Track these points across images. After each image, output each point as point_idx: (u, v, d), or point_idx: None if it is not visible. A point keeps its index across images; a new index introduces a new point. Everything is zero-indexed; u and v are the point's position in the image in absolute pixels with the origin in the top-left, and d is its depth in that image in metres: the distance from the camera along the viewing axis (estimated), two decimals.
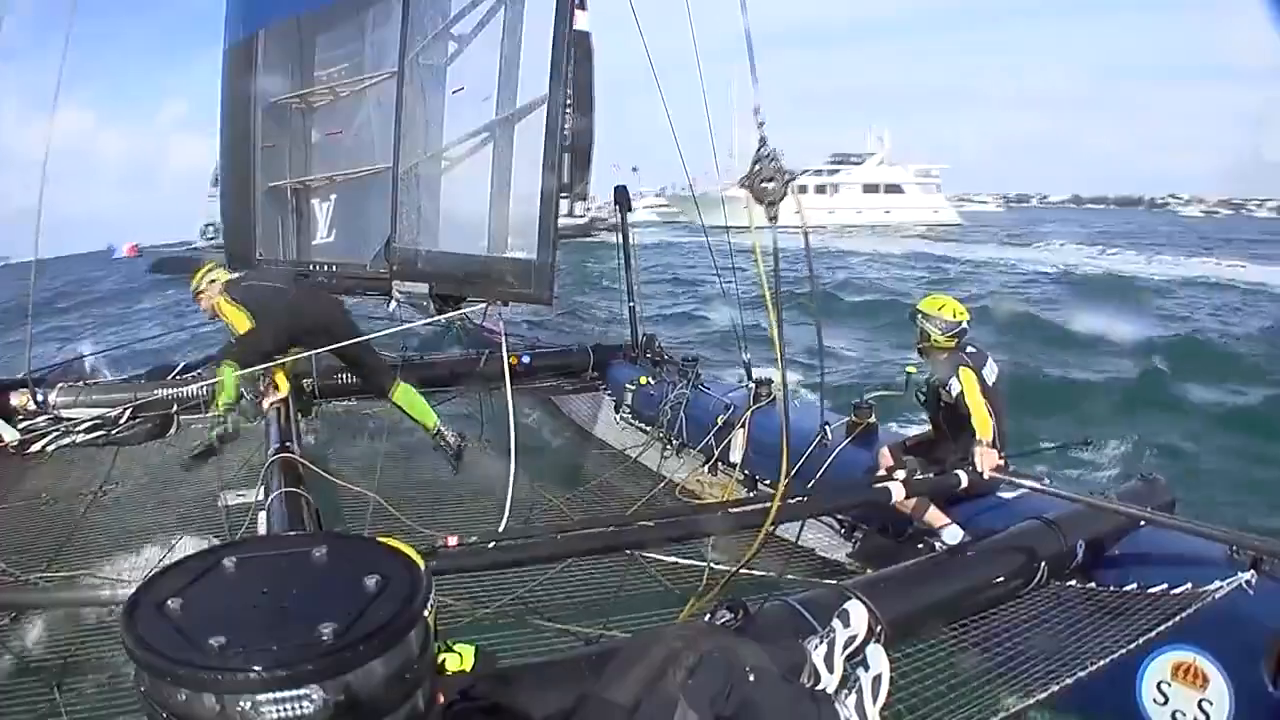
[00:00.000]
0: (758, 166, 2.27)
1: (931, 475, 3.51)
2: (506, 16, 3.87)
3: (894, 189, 46.76)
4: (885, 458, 3.90)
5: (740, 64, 2.24)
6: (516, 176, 3.84)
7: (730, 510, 3.24)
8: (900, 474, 3.45)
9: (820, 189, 45.07)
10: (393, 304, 4.98)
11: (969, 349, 3.69)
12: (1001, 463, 3.41)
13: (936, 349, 3.66)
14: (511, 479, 3.69)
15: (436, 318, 4.60)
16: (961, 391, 3.50)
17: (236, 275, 4.76)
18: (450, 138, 4.38)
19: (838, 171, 47.31)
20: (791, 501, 3.13)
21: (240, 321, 4.40)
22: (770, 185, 2.24)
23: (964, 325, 3.69)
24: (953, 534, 3.46)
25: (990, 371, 3.65)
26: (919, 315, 3.74)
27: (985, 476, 3.29)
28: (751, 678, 1.62)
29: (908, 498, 3.32)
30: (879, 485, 3.36)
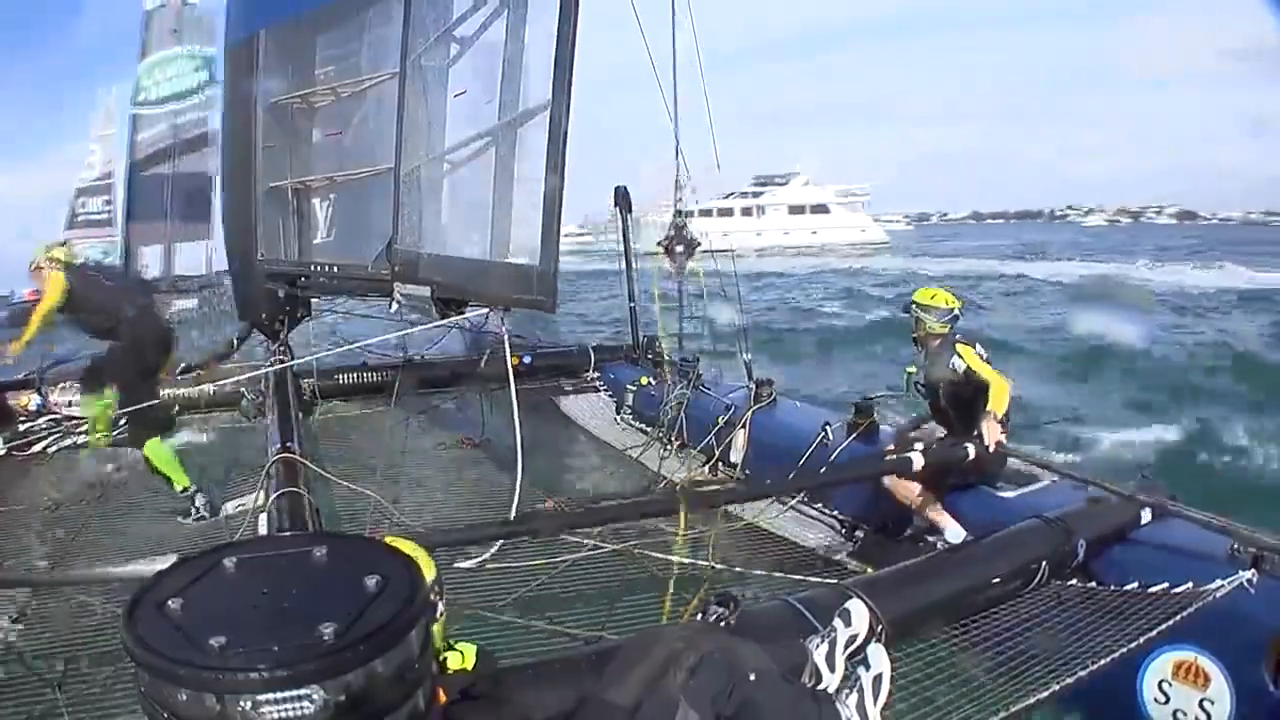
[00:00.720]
0: (672, 233, 2.76)
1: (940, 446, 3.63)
2: (509, 20, 3.86)
3: (820, 209, 46.56)
4: (892, 450, 3.95)
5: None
6: (519, 182, 3.83)
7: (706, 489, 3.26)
8: (919, 445, 3.62)
9: (747, 211, 44.92)
10: (394, 306, 4.98)
11: (957, 336, 3.86)
12: (1003, 438, 3.54)
13: (932, 336, 3.82)
14: (519, 478, 3.71)
15: (440, 322, 4.59)
16: (968, 366, 3.65)
17: (81, 262, 4.99)
18: (452, 140, 4.38)
19: (762, 194, 47.06)
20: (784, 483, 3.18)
21: (55, 293, 4.52)
22: (680, 250, 2.72)
23: (956, 312, 3.87)
24: (955, 534, 3.48)
25: (981, 352, 3.79)
26: (914, 306, 3.90)
27: (990, 449, 3.42)
28: (752, 678, 1.62)
29: (923, 469, 3.43)
30: (901, 456, 3.51)
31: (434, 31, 4.45)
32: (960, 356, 3.68)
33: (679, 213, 2.74)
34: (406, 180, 4.56)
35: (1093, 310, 13.94)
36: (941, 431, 3.95)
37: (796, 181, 47.19)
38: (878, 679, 1.86)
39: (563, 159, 3.42)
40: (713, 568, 3.28)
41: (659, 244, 2.86)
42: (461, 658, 1.62)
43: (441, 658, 1.59)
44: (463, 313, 4.25)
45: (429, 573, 1.53)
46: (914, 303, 3.92)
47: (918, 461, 3.40)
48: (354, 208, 5.39)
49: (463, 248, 4.21)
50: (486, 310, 4.04)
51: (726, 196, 43.24)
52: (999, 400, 3.53)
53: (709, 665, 1.59)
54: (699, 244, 2.75)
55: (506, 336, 3.93)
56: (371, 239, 4.93)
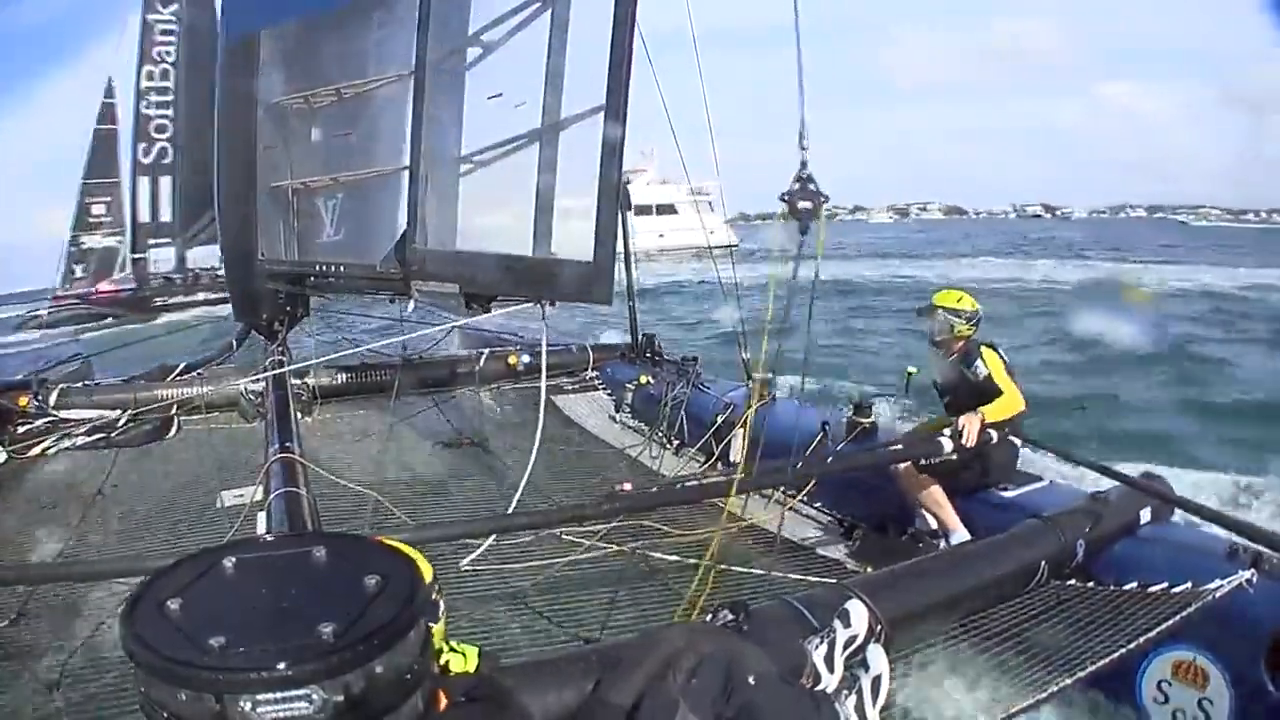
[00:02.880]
0: (796, 185, 2.37)
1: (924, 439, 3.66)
2: (553, 21, 3.89)
3: (666, 209, 41.36)
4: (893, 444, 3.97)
5: None
6: (564, 178, 3.86)
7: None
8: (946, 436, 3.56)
9: (664, 209, 40.01)
10: (411, 304, 4.99)
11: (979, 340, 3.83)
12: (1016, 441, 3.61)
13: (956, 339, 3.80)
14: (527, 475, 3.73)
15: (444, 325, 4.61)
16: (989, 372, 3.61)
17: None
18: (474, 140, 4.40)
19: (629, 180, 42.34)
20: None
21: None
22: (807, 205, 2.38)
23: (980, 314, 3.84)
24: (961, 538, 3.48)
25: (1004, 357, 3.77)
26: (939, 310, 3.83)
27: (968, 444, 3.41)
28: (752, 680, 1.62)
29: (931, 468, 3.50)
30: (933, 440, 3.54)
31: (454, 30, 4.46)
32: (983, 361, 3.64)
33: (804, 164, 2.37)
34: (428, 180, 4.57)
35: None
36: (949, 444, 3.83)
37: (640, 179, 40.95)
38: (876, 680, 1.87)
39: (620, 153, 3.47)
40: (713, 567, 3.27)
41: (782, 197, 2.44)
42: (464, 659, 1.62)
43: (444, 660, 1.59)
44: (487, 309, 4.28)
45: (425, 575, 1.53)
46: (939, 306, 3.84)
47: (947, 445, 3.43)
48: (364, 207, 5.39)
49: (500, 245, 4.23)
50: (528, 304, 4.08)
51: (651, 184, 39.12)
52: (1000, 408, 3.50)
53: (709, 667, 1.59)
54: (826, 197, 2.41)
55: (545, 333, 3.99)
56: (382, 238, 4.94)
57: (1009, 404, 3.54)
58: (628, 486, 3.47)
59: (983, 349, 3.69)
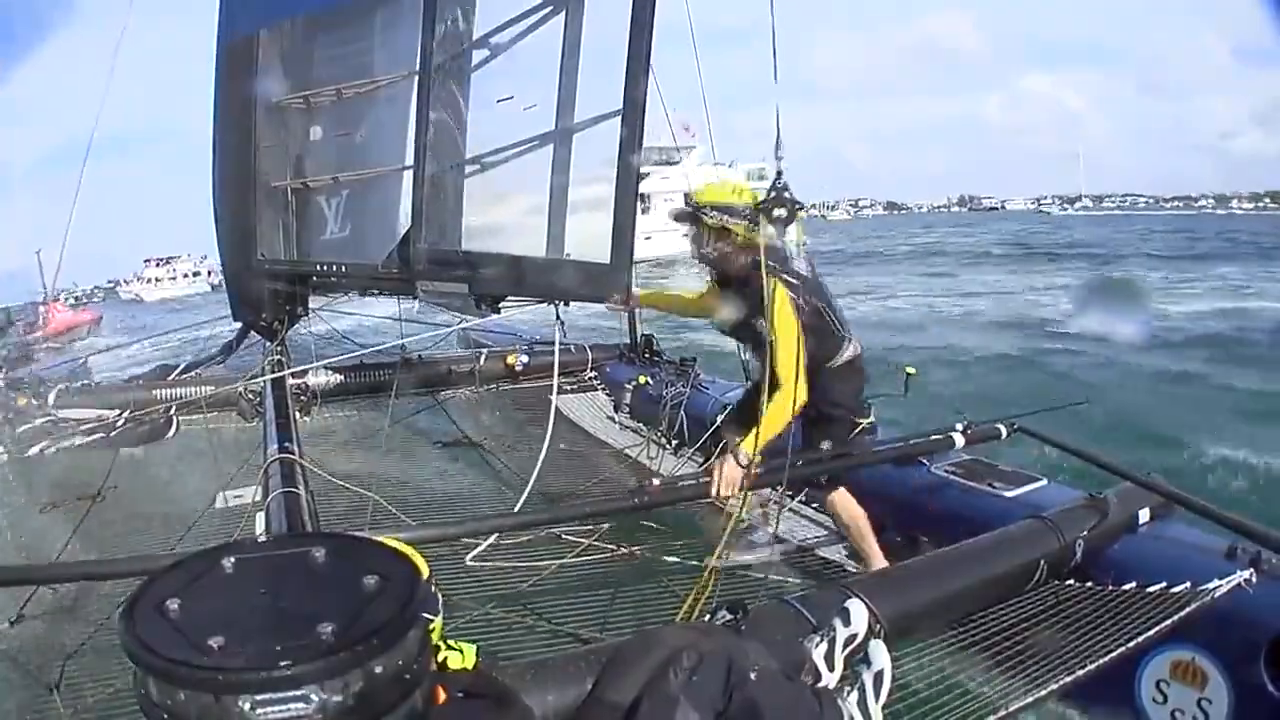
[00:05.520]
0: (772, 193, 2.38)
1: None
2: (567, 24, 3.90)
3: None
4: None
5: None
6: (577, 184, 3.87)
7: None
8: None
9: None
10: (416, 305, 5.00)
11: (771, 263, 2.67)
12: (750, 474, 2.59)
13: (734, 251, 2.71)
14: (535, 474, 3.73)
15: (447, 329, 4.61)
16: (775, 337, 2.59)
17: None
18: (483, 141, 4.41)
19: (646, 176, 31.83)
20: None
21: None
22: (780, 214, 2.39)
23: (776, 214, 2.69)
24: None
25: (812, 290, 2.72)
26: (700, 209, 2.75)
27: (719, 500, 2.69)
28: (753, 677, 1.62)
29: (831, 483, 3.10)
30: (944, 436, 3.37)
31: (460, 31, 4.47)
32: (772, 307, 2.55)
33: (780, 174, 2.29)
34: (438, 180, 4.57)
35: None
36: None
37: (693, 158, 31.26)
38: (879, 675, 1.86)
39: (638, 154, 3.48)
40: (712, 568, 3.27)
41: (758, 205, 2.35)
42: (462, 657, 1.62)
43: (442, 657, 1.59)
44: (496, 310, 4.29)
45: (421, 572, 1.53)
46: (701, 204, 2.74)
47: (959, 441, 3.30)
48: (367, 207, 5.40)
49: (511, 246, 4.24)
50: (540, 304, 4.09)
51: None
52: (772, 419, 2.54)
53: (710, 664, 1.59)
54: (801, 205, 2.24)
55: (559, 333, 4.00)
56: (385, 239, 4.95)
57: (781, 407, 2.57)
58: (656, 483, 3.09)
59: (777, 284, 2.60)
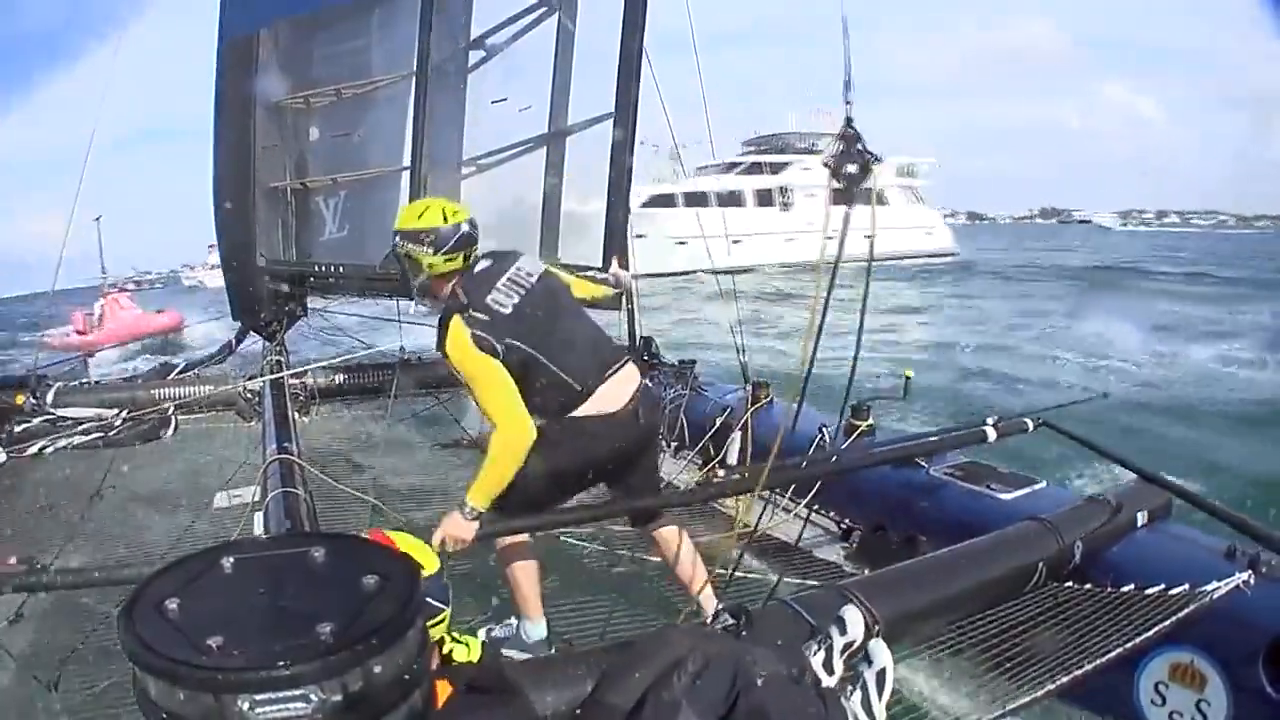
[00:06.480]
0: (840, 147, 1.92)
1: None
2: (559, 25, 3.91)
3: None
4: None
5: None
6: (571, 182, 3.88)
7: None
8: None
9: (765, 198, 27.06)
10: (414, 305, 5.00)
11: (480, 269, 2.46)
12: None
13: (434, 283, 2.50)
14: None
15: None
16: (458, 370, 2.34)
17: None
18: (478, 143, 4.42)
19: (785, 167, 27.70)
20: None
21: None
22: (852, 171, 1.93)
23: (466, 230, 2.49)
24: (533, 628, 2.77)
25: (515, 331, 2.33)
26: (395, 239, 2.54)
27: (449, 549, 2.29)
28: (760, 682, 1.61)
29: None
30: (973, 429, 3.47)
31: (457, 32, 4.49)
32: (447, 343, 2.27)
33: (849, 100, 1.83)
34: (435, 181, 4.58)
35: None
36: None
37: (832, 146, 29.70)
38: (881, 674, 1.86)
39: (630, 158, 3.47)
40: (712, 569, 3.27)
41: (824, 162, 1.95)
42: (467, 649, 1.62)
43: (448, 649, 1.58)
44: None
45: (431, 567, 1.52)
46: (396, 233, 2.53)
47: (991, 435, 3.38)
48: (366, 207, 5.41)
49: (505, 247, 4.27)
50: None
51: (706, 170, 26.31)
52: (489, 467, 2.25)
53: (714, 669, 1.57)
54: (878, 159, 1.89)
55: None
56: (384, 240, 4.96)
57: (501, 449, 2.23)
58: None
59: (452, 321, 2.29)
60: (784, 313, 16.68)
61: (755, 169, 27.89)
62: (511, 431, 2.24)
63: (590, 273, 3.45)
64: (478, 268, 2.49)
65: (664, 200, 25.11)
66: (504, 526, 2.50)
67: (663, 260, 20.92)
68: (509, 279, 2.46)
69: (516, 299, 2.41)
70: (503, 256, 2.56)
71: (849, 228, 1.96)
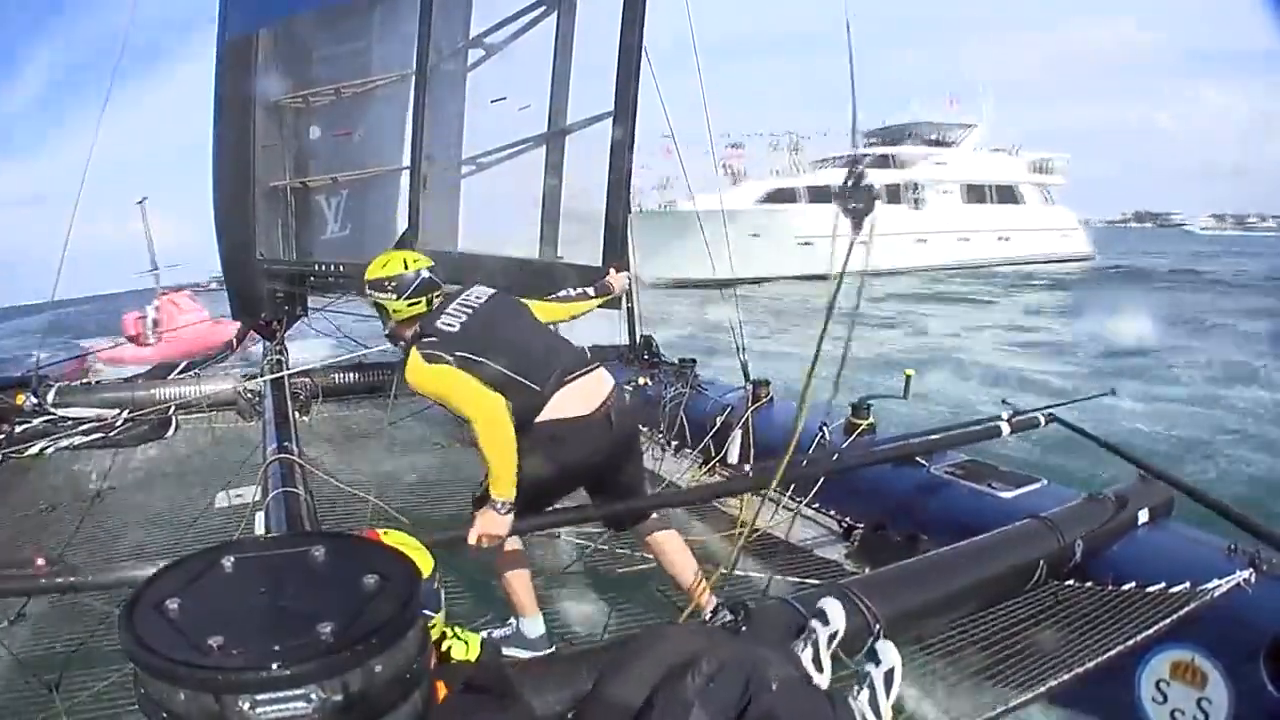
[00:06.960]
0: (850, 178, 1.95)
1: None
2: (559, 25, 3.91)
3: (1006, 194, 25.73)
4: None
5: None
6: (570, 185, 3.88)
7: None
8: None
9: (894, 194, 23.69)
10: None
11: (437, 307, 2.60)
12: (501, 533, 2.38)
13: (401, 327, 2.63)
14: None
15: None
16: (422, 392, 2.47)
17: None
18: (477, 142, 4.41)
19: (916, 161, 25.17)
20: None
21: None
22: (857, 205, 1.94)
23: (426, 275, 2.62)
24: (531, 625, 2.84)
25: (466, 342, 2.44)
26: (366, 290, 2.68)
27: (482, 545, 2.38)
28: (774, 687, 1.59)
29: None
30: (988, 424, 3.51)
31: (456, 31, 4.49)
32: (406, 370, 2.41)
33: (856, 152, 1.84)
34: (434, 181, 4.58)
35: None
36: None
37: (970, 139, 26.39)
38: (889, 674, 1.85)
39: (630, 155, 3.46)
40: (711, 569, 3.27)
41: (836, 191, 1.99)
42: (466, 647, 1.62)
43: (446, 646, 1.58)
44: None
45: (428, 566, 1.52)
46: (366, 282, 2.66)
47: (1005, 430, 3.44)
48: (365, 207, 5.40)
49: (504, 247, 4.25)
50: None
51: (825, 164, 24.17)
52: (497, 474, 2.35)
53: (729, 672, 1.56)
54: (878, 195, 1.96)
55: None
56: (383, 239, 4.95)
57: (486, 440, 2.35)
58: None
59: (410, 353, 2.45)
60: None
61: (882, 162, 24.62)
62: (485, 412, 2.33)
63: (585, 282, 3.45)
64: (435, 307, 2.62)
65: (784, 195, 23.11)
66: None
67: (780, 263, 17.79)
68: (457, 305, 2.60)
69: (464, 318, 2.54)
70: (459, 291, 2.69)
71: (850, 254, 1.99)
